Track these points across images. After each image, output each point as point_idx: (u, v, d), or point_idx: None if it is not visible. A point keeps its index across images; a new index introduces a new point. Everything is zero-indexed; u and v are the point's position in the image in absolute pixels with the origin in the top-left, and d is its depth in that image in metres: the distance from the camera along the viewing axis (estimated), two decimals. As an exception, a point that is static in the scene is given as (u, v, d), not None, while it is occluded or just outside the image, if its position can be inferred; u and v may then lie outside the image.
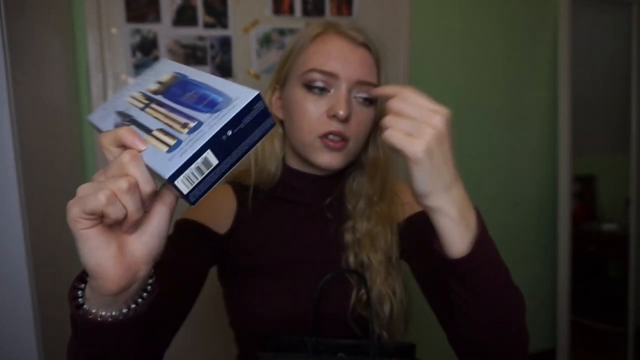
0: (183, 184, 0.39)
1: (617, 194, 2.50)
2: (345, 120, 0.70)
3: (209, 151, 0.40)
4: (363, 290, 0.75)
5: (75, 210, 0.39)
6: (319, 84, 0.71)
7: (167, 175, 0.38)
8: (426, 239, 0.73)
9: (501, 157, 2.12)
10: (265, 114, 0.43)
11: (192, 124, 0.42)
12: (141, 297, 0.46)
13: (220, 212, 0.78)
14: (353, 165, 0.82)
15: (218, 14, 1.62)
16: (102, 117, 0.50)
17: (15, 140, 0.96)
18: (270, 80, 0.81)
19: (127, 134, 0.41)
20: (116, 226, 0.41)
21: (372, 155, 0.81)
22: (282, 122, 0.80)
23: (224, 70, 1.64)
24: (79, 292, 0.45)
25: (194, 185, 0.40)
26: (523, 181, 2.20)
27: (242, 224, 0.79)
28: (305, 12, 1.71)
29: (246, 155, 0.44)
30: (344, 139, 0.71)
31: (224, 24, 1.62)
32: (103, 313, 0.43)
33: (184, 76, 0.49)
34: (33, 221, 1.01)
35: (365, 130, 0.75)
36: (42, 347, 1.03)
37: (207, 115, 0.42)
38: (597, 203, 2.66)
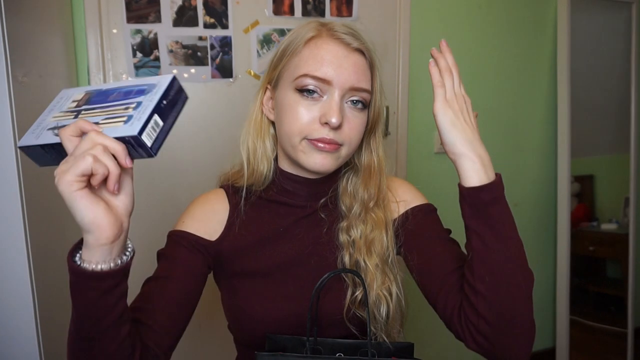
0: (147, 138, 0.52)
1: (617, 194, 2.50)
2: (337, 127, 0.71)
3: (155, 115, 0.53)
4: (359, 290, 0.75)
5: (69, 176, 0.48)
6: (312, 89, 0.71)
7: (135, 132, 0.51)
8: (423, 232, 0.77)
9: (501, 156, 2.13)
10: (181, 90, 0.58)
11: (132, 105, 0.55)
12: (124, 255, 0.57)
13: (211, 219, 0.79)
14: (347, 166, 0.82)
15: (218, 15, 1.62)
16: (36, 137, 0.56)
17: (15, 140, 0.96)
18: (262, 80, 0.81)
19: (84, 122, 0.51)
20: (99, 189, 0.52)
21: (366, 160, 0.81)
22: (273, 124, 0.80)
23: (224, 70, 1.65)
24: (77, 257, 0.54)
25: (153, 139, 0.53)
26: (523, 181, 2.20)
27: (234, 228, 0.79)
28: (306, 13, 1.72)
29: (174, 124, 0.57)
30: (336, 143, 0.72)
31: (224, 25, 1.63)
32: (96, 266, 0.53)
33: (98, 89, 0.60)
34: (33, 221, 1.02)
35: (358, 135, 0.75)
36: (43, 347, 1.03)
37: (142, 97, 0.55)
38: (597, 203, 2.66)
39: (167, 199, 1.63)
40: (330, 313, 0.75)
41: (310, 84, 0.70)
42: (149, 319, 0.66)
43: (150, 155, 0.54)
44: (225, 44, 1.64)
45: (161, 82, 0.56)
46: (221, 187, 0.85)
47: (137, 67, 1.56)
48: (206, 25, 1.61)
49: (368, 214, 0.79)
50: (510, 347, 0.63)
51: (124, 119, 0.53)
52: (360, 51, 0.73)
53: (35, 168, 1.07)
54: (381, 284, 0.75)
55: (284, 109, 0.74)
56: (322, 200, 0.80)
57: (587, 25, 2.26)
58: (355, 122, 0.73)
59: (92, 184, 0.50)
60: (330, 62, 0.70)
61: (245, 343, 0.80)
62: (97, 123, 0.53)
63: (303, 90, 0.71)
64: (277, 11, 1.68)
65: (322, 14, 1.74)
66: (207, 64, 1.62)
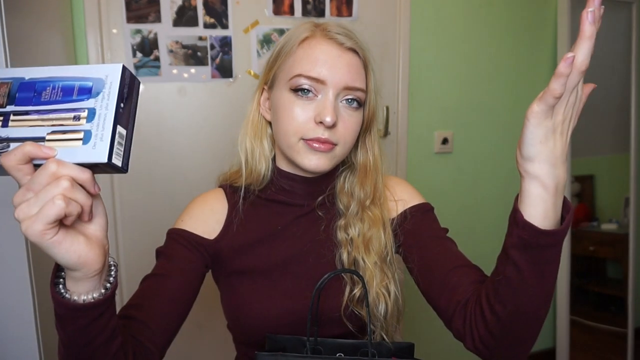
0: (117, 160, 0.45)
1: (617, 194, 2.50)
2: (332, 127, 0.71)
3: (118, 126, 0.46)
4: (357, 288, 0.75)
5: (38, 226, 0.42)
6: (307, 89, 0.71)
7: (104, 159, 0.44)
8: (422, 231, 0.77)
9: (501, 157, 2.12)
10: (133, 77, 0.49)
11: (84, 114, 0.46)
12: (110, 276, 0.52)
13: (210, 218, 0.80)
14: (344, 165, 0.83)
15: (218, 15, 1.62)
16: None
17: (15, 141, 0.96)
18: (259, 81, 0.82)
19: (32, 147, 0.43)
20: (70, 222, 0.45)
21: (362, 159, 0.82)
22: (270, 124, 0.81)
23: (224, 70, 1.65)
24: (60, 287, 0.50)
25: (122, 156, 0.46)
26: (523, 181, 2.20)
27: (233, 227, 0.79)
28: (306, 13, 1.72)
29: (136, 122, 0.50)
30: (330, 143, 0.72)
31: (224, 25, 1.63)
32: (87, 297, 0.49)
33: (20, 79, 0.48)
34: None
35: (353, 134, 0.75)
36: (43, 347, 1.03)
37: (92, 100, 0.46)
38: (597, 203, 2.66)
39: (166, 198, 1.63)
40: (328, 311, 0.75)
41: (305, 83, 0.71)
42: (145, 317, 0.66)
43: (120, 172, 0.47)
44: (225, 44, 1.64)
45: (110, 77, 0.47)
46: (220, 186, 0.85)
47: (137, 67, 1.56)
48: (206, 25, 1.61)
49: (365, 212, 0.79)
50: (509, 357, 0.63)
51: (80, 135, 0.45)
52: (354, 50, 0.73)
53: (35, 168, 1.07)
54: (380, 282, 0.75)
55: (280, 109, 0.74)
56: (319, 199, 0.81)
57: (587, 25, 2.26)
58: (350, 121, 0.74)
59: (66, 224, 0.44)
60: (324, 62, 0.71)
61: (244, 342, 0.81)
62: (43, 139, 0.45)
63: (298, 90, 0.72)
64: (277, 11, 1.68)
65: (322, 14, 1.74)
66: (207, 64, 1.62)
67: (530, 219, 0.52)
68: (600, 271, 2.73)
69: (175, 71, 1.60)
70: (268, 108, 0.80)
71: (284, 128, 0.74)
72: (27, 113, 0.47)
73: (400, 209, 0.81)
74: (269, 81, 0.78)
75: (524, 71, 2.12)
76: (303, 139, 0.72)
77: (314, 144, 0.71)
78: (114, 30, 1.54)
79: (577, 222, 2.42)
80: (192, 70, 1.62)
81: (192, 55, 1.61)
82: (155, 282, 0.72)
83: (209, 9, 1.61)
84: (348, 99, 0.73)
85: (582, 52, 0.49)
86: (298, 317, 0.73)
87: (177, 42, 1.59)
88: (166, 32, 1.58)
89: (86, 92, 0.47)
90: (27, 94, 0.47)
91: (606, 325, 2.49)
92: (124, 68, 0.47)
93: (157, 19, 1.56)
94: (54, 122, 0.46)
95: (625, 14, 2.28)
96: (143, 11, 1.55)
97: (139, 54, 1.56)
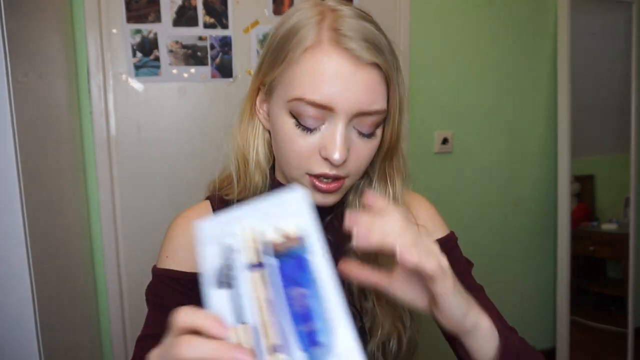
0: None
1: (617, 194, 2.50)
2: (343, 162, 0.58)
3: None
4: (366, 318, 0.66)
5: None
6: (310, 121, 0.57)
7: None
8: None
9: (501, 157, 2.13)
10: None
11: (282, 357, 0.37)
12: None
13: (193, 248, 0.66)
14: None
15: (218, 14, 1.62)
16: (209, 238, 0.42)
17: (15, 140, 0.96)
18: (253, 78, 0.66)
19: (230, 350, 0.36)
20: None
21: (379, 189, 0.68)
22: (269, 131, 0.67)
23: (224, 70, 1.64)
24: None
25: None
26: (523, 181, 2.20)
27: None
28: (305, 12, 1.72)
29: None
30: (339, 179, 0.60)
31: (224, 25, 1.63)
32: None
33: (305, 248, 0.41)
34: (33, 221, 1.02)
35: (366, 162, 0.62)
36: (43, 347, 1.03)
37: (302, 355, 0.37)
38: (597, 203, 2.65)
39: (166, 198, 1.63)
40: None
41: (307, 113, 0.56)
42: None
43: None
44: (225, 44, 1.64)
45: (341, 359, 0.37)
46: (208, 198, 0.73)
47: (137, 67, 1.56)
48: (206, 25, 1.61)
49: None
50: None
51: None
52: (375, 64, 0.56)
53: (35, 168, 1.07)
54: (395, 318, 0.66)
55: (279, 133, 0.60)
56: (327, 219, 0.68)
57: (587, 25, 2.26)
58: (364, 151, 0.60)
59: None
60: (332, 81, 0.54)
61: None
62: (242, 322, 0.39)
63: (299, 119, 0.57)
64: (277, 11, 1.68)
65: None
66: (207, 64, 1.62)
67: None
68: (600, 271, 2.73)
69: (175, 71, 1.60)
70: (267, 114, 0.65)
71: (285, 158, 0.61)
72: (267, 284, 0.40)
73: None
74: (266, 85, 0.63)
75: (524, 71, 2.12)
76: (308, 174, 0.60)
77: (321, 185, 0.59)
78: (114, 30, 1.54)
79: (578, 222, 2.41)
80: (192, 70, 1.61)
81: (192, 55, 1.61)
82: (153, 346, 0.60)
83: (209, 9, 1.61)
84: (362, 128, 0.59)
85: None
86: None
87: (177, 42, 1.59)
88: (166, 32, 1.57)
89: (311, 342, 0.38)
90: (292, 272, 0.41)
91: (606, 325, 2.49)
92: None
93: (157, 19, 1.56)
94: (260, 328, 0.39)
95: (625, 14, 2.28)
96: (143, 11, 1.55)
97: (138, 54, 1.56)
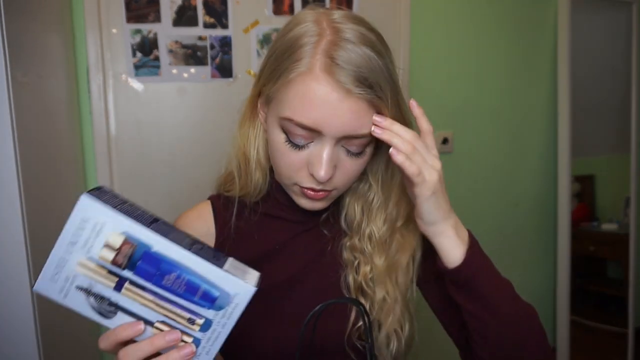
0: None
1: (617, 194, 2.49)
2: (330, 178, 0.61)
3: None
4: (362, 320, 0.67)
5: None
6: (298, 139, 0.59)
7: None
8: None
9: (501, 157, 2.12)
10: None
11: (199, 321, 0.45)
12: None
13: None
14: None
15: (218, 14, 1.62)
16: (61, 293, 0.45)
17: (15, 140, 0.96)
18: (256, 79, 0.67)
19: (146, 345, 0.46)
20: None
21: (372, 198, 0.70)
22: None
23: (224, 70, 1.64)
24: None
25: None
26: (523, 181, 2.20)
27: (224, 246, 0.71)
28: (305, 12, 1.71)
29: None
30: (326, 191, 0.63)
31: (224, 24, 1.62)
32: None
33: (146, 246, 0.43)
34: (33, 221, 1.02)
35: (354, 177, 0.65)
36: (43, 348, 1.03)
37: (212, 312, 0.45)
38: (597, 203, 2.65)
39: (166, 198, 1.63)
40: (329, 340, 0.67)
41: (296, 132, 0.58)
42: None
43: None
44: (225, 44, 1.63)
45: (239, 297, 0.45)
46: (210, 198, 0.76)
47: (137, 67, 1.56)
48: (206, 25, 1.61)
49: (394, 235, 0.71)
50: None
51: (189, 340, 0.46)
52: (365, 89, 0.57)
53: (35, 168, 1.07)
54: (398, 318, 0.69)
55: (272, 144, 0.63)
56: (323, 215, 0.72)
57: (587, 25, 2.26)
58: (351, 167, 0.62)
59: None
60: (319, 107, 0.56)
61: None
62: (151, 324, 0.45)
63: (289, 136, 0.60)
64: (277, 11, 1.68)
65: (322, 14, 1.74)
66: (207, 64, 1.62)
67: (450, 265, 0.60)
68: (600, 271, 2.73)
69: (175, 71, 1.60)
70: (265, 119, 0.67)
71: (276, 167, 0.65)
72: (143, 288, 0.44)
73: None
74: (264, 93, 0.64)
75: (524, 71, 2.12)
76: (297, 185, 0.63)
77: (309, 192, 0.63)
78: (114, 30, 1.54)
79: (578, 222, 2.41)
80: (192, 70, 1.61)
81: (192, 55, 1.61)
82: None
83: (208, 9, 1.61)
84: (349, 151, 0.61)
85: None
86: (296, 344, 0.65)
87: (177, 42, 1.59)
88: (166, 32, 1.57)
89: (210, 300, 0.45)
90: (150, 268, 0.44)
91: (606, 325, 2.49)
92: (256, 291, 0.46)
93: (157, 19, 1.56)
94: (167, 313, 0.45)
95: (625, 14, 2.28)
96: (143, 11, 1.55)
97: (138, 54, 1.56)
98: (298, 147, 0.60)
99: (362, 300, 0.69)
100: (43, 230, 1.09)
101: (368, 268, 0.69)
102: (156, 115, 1.61)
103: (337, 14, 0.61)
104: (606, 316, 2.52)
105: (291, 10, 1.69)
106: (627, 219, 2.31)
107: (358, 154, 0.62)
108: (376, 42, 0.60)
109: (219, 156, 0.77)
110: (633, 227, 2.26)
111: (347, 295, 0.70)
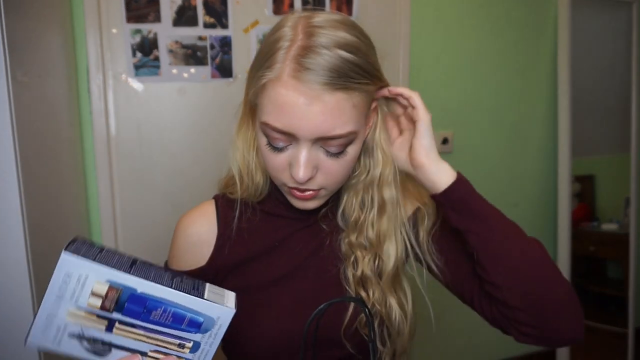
0: None
1: (617, 194, 2.49)
2: (310, 178, 0.62)
3: None
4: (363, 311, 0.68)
5: None
6: (277, 142, 0.61)
7: None
8: (443, 227, 0.73)
9: (501, 157, 2.12)
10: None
11: (188, 344, 0.49)
12: None
13: (197, 246, 0.73)
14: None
15: (218, 14, 1.62)
16: (55, 340, 0.47)
17: (15, 140, 0.96)
18: (246, 84, 0.68)
19: None
20: None
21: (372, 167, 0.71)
22: None
23: (224, 70, 1.64)
24: None
25: None
26: (523, 181, 2.20)
27: (226, 245, 0.73)
28: (305, 12, 1.71)
29: None
30: (312, 190, 0.64)
31: (224, 24, 1.62)
32: None
33: (131, 289, 0.46)
34: (33, 221, 1.02)
35: (341, 176, 0.65)
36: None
37: (199, 335, 0.49)
38: (597, 203, 2.65)
39: (167, 198, 1.63)
40: (326, 331, 0.68)
41: (274, 136, 0.60)
42: None
43: None
44: (225, 44, 1.63)
45: (222, 319, 0.49)
46: (215, 197, 0.78)
47: (137, 67, 1.56)
48: (206, 25, 1.61)
49: (382, 214, 0.72)
50: (558, 325, 0.62)
51: None
52: (335, 88, 0.57)
53: (35, 168, 1.07)
54: (392, 295, 0.71)
55: (258, 146, 0.66)
56: (322, 211, 0.73)
57: (587, 25, 2.26)
58: (333, 167, 0.63)
59: None
60: (289, 112, 0.57)
61: None
62: (145, 354, 0.48)
63: (269, 139, 0.62)
64: (277, 11, 1.68)
65: (322, 14, 1.74)
66: (207, 64, 1.62)
67: (444, 187, 0.65)
68: (600, 271, 2.73)
69: (175, 71, 1.60)
70: (255, 121, 0.69)
71: (267, 169, 0.67)
72: (133, 325, 0.47)
73: (410, 209, 0.75)
74: (250, 97, 0.66)
75: (524, 71, 2.12)
76: (285, 185, 0.65)
77: (297, 193, 0.64)
78: (114, 30, 1.54)
79: (578, 222, 2.41)
80: (192, 70, 1.61)
81: (192, 55, 1.61)
82: None
83: (208, 9, 1.61)
84: (329, 148, 0.61)
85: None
86: (299, 339, 0.66)
87: (177, 42, 1.59)
88: (166, 32, 1.57)
89: (196, 325, 0.48)
90: (137, 308, 0.47)
91: (606, 325, 2.49)
92: (235, 313, 0.49)
93: (157, 19, 1.56)
94: (159, 343, 0.49)
95: (625, 14, 2.28)
96: (143, 11, 1.55)
97: (138, 54, 1.56)
98: (278, 149, 0.62)
99: (362, 293, 0.70)
100: (43, 230, 1.09)
101: (365, 262, 0.71)
102: (156, 115, 1.61)
103: (319, 18, 0.60)
104: (606, 316, 2.52)
105: (291, 9, 1.69)
106: (627, 219, 2.31)
107: (338, 154, 0.62)
108: (353, 42, 0.59)
109: (218, 156, 0.79)
110: (633, 227, 2.26)
111: (347, 289, 0.71)
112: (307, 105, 0.57)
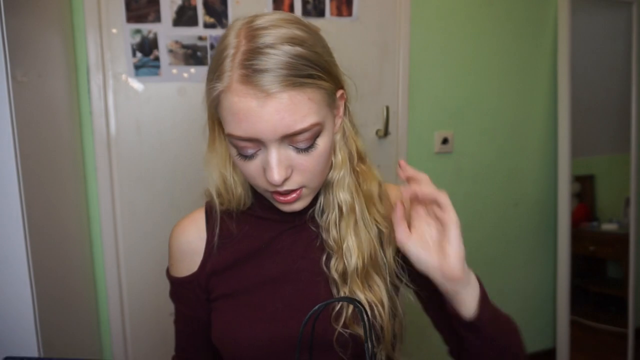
0: None
1: (617, 194, 2.50)
2: (286, 178, 0.61)
3: None
4: (351, 309, 0.68)
5: None
6: (246, 150, 0.61)
7: None
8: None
9: (501, 157, 2.12)
10: None
11: None
12: None
13: (188, 254, 0.75)
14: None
15: (218, 14, 1.62)
16: None
17: (15, 140, 0.96)
18: (205, 99, 0.67)
19: None
20: None
21: (343, 200, 0.70)
22: None
23: (224, 70, 1.64)
24: None
25: None
26: (523, 181, 2.20)
27: (215, 251, 0.74)
28: (305, 12, 1.72)
29: None
30: (293, 191, 0.63)
31: (224, 24, 1.62)
32: None
33: None
34: (33, 221, 1.02)
35: (318, 171, 0.64)
36: (42, 347, 1.03)
37: None
38: (597, 203, 2.65)
39: (166, 198, 1.63)
40: (317, 335, 0.66)
41: (240, 145, 0.60)
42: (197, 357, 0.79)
43: None
44: (225, 44, 1.63)
45: None
46: (206, 203, 0.79)
47: (137, 67, 1.56)
48: (206, 25, 1.61)
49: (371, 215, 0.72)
50: None
51: None
52: (285, 86, 0.56)
53: (35, 168, 1.07)
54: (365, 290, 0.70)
55: (231, 157, 0.66)
56: (309, 212, 0.72)
57: (587, 25, 2.26)
58: (307, 162, 0.61)
59: None
60: (245, 118, 0.57)
61: None
62: None
63: (237, 149, 0.62)
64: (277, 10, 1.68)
65: (322, 14, 1.74)
66: (207, 64, 1.62)
67: (467, 314, 0.61)
68: (600, 271, 2.73)
69: (175, 71, 1.60)
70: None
71: (245, 177, 0.67)
72: None
73: None
74: (212, 114, 0.67)
75: (524, 71, 2.12)
76: (266, 191, 0.65)
77: (280, 197, 0.64)
78: (114, 30, 1.54)
79: (578, 222, 2.42)
80: (192, 70, 1.61)
81: (192, 55, 1.61)
82: (186, 325, 0.81)
83: (208, 9, 1.61)
84: (297, 145, 0.60)
85: None
86: (290, 343, 0.66)
87: (177, 42, 1.59)
88: (166, 32, 1.57)
89: None
90: None
91: (606, 325, 2.49)
92: None
93: (157, 19, 1.56)
94: None
95: (625, 14, 2.28)
96: (143, 11, 1.55)
97: (138, 54, 1.56)
98: (249, 157, 0.61)
99: (334, 291, 0.69)
100: (43, 230, 1.09)
101: (345, 262, 0.69)
102: (156, 115, 1.61)
103: (261, 20, 0.60)
104: (606, 316, 2.52)
105: (291, 10, 1.69)
106: (627, 219, 2.31)
107: (308, 149, 0.61)
108: (296, 36, 0.58)
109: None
110: (633, 227, 2.26)
111: (334, 289, 0.70)
112: (261, 107, 0.56)
